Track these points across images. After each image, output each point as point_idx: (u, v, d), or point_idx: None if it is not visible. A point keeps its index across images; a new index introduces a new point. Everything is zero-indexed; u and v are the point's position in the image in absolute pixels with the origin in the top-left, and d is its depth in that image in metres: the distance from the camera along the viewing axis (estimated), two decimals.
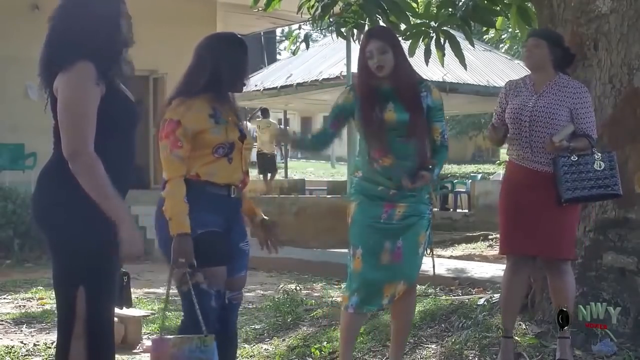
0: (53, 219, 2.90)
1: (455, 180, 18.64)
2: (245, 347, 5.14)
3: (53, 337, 5.50)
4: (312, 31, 10.28)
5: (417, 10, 6.82)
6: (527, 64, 4.39)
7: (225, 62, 3.44)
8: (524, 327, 4.78)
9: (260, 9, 7.28)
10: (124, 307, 3.54)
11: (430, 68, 10.62)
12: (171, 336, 3.34)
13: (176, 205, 3.29)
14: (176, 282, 3.37)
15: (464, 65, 6.77)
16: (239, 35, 3.63)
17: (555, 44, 4.32)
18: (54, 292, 3.04)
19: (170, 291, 3.46)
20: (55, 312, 6.14)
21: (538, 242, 4.19)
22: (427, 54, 6.55)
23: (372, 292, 3.92)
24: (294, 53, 14.51)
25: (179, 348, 3.20)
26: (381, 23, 6.45)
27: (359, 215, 3.94)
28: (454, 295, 6.59)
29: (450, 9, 6.42)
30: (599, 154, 4.14)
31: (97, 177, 2.80)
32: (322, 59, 18.62)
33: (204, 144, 3.40)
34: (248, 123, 16.94)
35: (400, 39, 6.82)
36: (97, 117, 2.85)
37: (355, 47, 12.23)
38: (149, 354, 5.07)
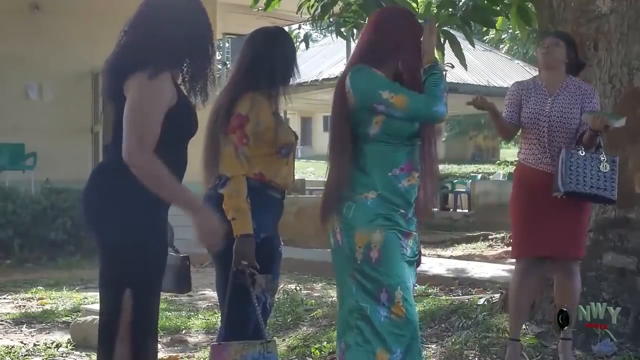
0: (106, 220, 2.85)
1: (455, 180, 18.63)
2: None
3: (53, 337, 5.50)
4: (312, 31, 10.29)
5: (417, 10, 6.83)
6: (544, 61, 4.31)
7: (279, 57, 3.38)
8: (524, 327, 4.78)
9: (260, 9, 7.29)
10: (185, 291, 3.36)
11: None
12: (233, 342, 3.21)
13: (240, 205, 3.19)
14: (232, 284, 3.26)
15: (464, 65, 6.77)
16: (285, 30, 3.59)
17: (571, 48, 4.32)
18: (100, 293, 2.97)
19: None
20: (56, 312, 6.12)
21: (557, 243, 4.18)
22: None
23: (418, 345, 3.10)
24: None
25: (241, 355, 3.12)
26: None
27: (390, 245, 3.05)
28: (454, 295, 6.59)
29: (450, 9, 6.43)
30: (605, 156, 4.11)
31: (158, 177, 2.73)
32: (322, 59, 18.64)
33: (269, 143, 3.31)
34: None
35: None
36: (167, 126, 2.79)
37: None
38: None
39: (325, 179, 3.23)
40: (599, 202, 4.37)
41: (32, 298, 7.11)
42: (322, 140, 39.27)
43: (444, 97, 3.04)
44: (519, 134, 4.48)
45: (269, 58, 3.37)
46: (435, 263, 8.67)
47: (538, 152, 4.24)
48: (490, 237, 12.27)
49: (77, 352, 5.05)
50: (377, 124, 3.07)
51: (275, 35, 3.49)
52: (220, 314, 3.51)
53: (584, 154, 4.07)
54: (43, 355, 4.96)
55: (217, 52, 18.46)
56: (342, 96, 3.15)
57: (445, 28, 6.53)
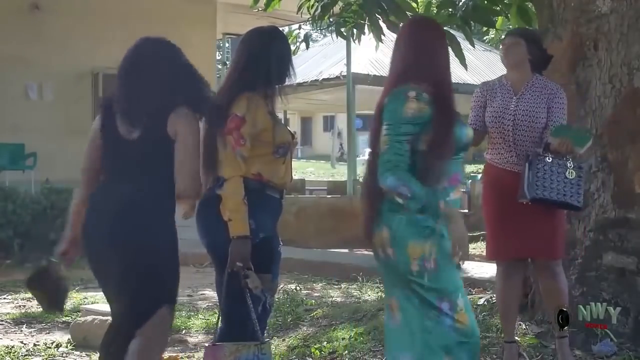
0: (142, 245, 3.15)
1: None
2: None
3: (53, 337, 5.51)
4: (312, 31, 10.28)
5: (417, 10, 6.83)
6: (506, 62, 4.33)
7: (275, 57, 3.39)
8: (524, 327, 4.78)
9: (260, 9, 7.29)
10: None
11: None
12: (227, 343, 3.23)
13: (237, 206, 3.20)
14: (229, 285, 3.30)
15: (464, 66, 6.77)
16: (280, 29, 3.61)
17: (533, 43, 4.31)
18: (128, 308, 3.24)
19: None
20: (56, 312, 6.13)
21: (531, 244, 4.17)
22: None
23: (478, 350, 3.14)
24: (293, 53, 14.51)
25: (235, 356, 3.13)
26: (381, 23, 6.47)
27: (444, 254, 3.07)
28: None
29: (450, 9, 6.43)
30: (572, 163, 4.10)
31: None
32: (322, 59, 18.62)
33: (265, 143, 3.32)
34: None
35: None
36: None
37: (356, 47, 12.25)
38: None
39: (365, 191, 3.21)
40: (565, 208, 4.34)
41: (32, 298, 7.10)
42: (322, 140, 39.26)
43: (395, 187, 2.95)
44: None
45: (264, 58, 3.37)
46: None
47: (504, 150, 4.23)
48: None
49: (77, 352, 5.06)
50: (425, 142, 3.03)
51: (271, 34, 3.49)
52: (220, 314, 3.52)
53: (550, 160, 4.07)
54: (43, 355, 4.97)
55: (217, 52, 18.46)
56: (381, 111, 3.12)
57: (445, 28, 6.52)
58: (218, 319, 3.54)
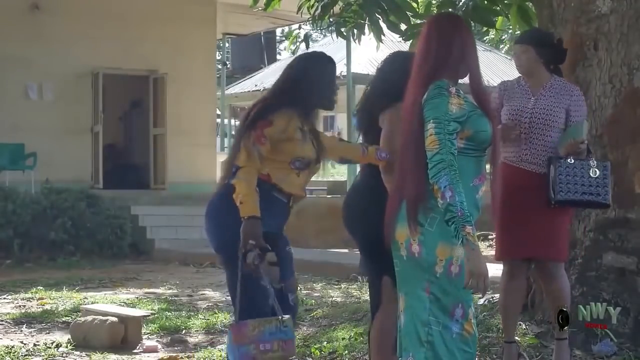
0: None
1: None
2: None
3: (53, 337, 5.51)
4: (312, 31, 10.30)
5: (417, 10, 6.82)
6: (519, 71, 4.34)
7: (318, 81, 3.61)
8: (524, 327, 4.78)
9: (260, 8, 7.29)
10: None
11: None
12: (249, 320, 3.32)
13: (249, 191, 3.35)
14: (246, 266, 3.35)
15: None
16: (328, 55, 3.81)
17: (542, 45, 4.27)
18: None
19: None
20: (56, 312, 6.15)
21: (534, 244, 4.17)
22: None
23: None
24: (293, 53, 14.52)
25: (259, 330, 3.27)
26: (381, 23, 6.47)
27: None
28: None
29: (450, 9, 6.42)
30: (595, 161, 4.11)
31: None
32: None
33: (285, 152, 3.49)
34: None
35: (400, 39, 6.89)
36: None
37: (356, 47, 12.24)
38: (149, 354, 5.09)
39: (394, 188, 3.14)
40: (593, 207, 4.33)
41: (32, 298, 7.11)
42: None
43: (444, 188, 2.85)
44: None
45: (303, 80, 3.59)
46: None
47: (518, 148, 4.21)
48: (490, 237, 12.26)
49: (77, 352, 5.06)
50: (461, 139, 2.99)
51: (313, 58, 3.77)
52: (233, 313, 3.56)
53: (572, 161, 4.07)
54: (43, 355, 4.97)
55: (217, 52, 18.46)
56: (420, 107, 3.00)
57: None
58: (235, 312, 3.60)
